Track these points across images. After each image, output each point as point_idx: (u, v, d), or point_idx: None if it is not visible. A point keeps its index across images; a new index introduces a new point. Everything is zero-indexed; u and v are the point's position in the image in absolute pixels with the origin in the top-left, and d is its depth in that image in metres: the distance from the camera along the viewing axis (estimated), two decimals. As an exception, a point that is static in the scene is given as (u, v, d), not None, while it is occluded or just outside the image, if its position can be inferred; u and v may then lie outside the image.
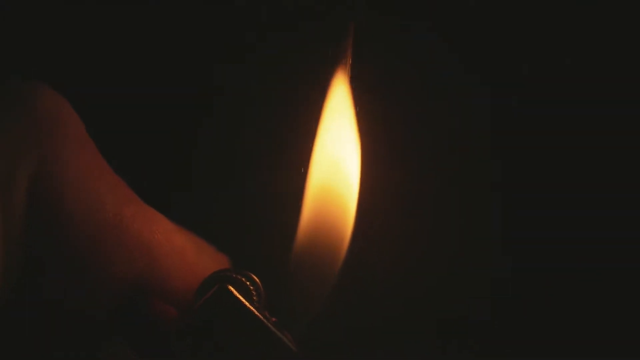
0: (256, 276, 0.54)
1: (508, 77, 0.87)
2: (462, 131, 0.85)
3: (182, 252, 0.55)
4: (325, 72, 0.56)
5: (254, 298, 0.54)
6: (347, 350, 0.79)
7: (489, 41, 0.86)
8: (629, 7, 0.88)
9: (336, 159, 0.55)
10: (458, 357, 0.83)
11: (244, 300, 0.53)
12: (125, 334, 0.53)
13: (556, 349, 0.86)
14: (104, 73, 0.82)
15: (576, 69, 0.88)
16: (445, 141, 0.84)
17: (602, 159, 0.88)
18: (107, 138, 0.55)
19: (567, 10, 0.88)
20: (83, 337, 0.53)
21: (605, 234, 0.88)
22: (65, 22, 0.81)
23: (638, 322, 0.86)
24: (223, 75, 0.84)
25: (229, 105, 0.84)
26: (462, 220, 0.85)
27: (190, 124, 0.83)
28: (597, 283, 0.88)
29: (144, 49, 0.84)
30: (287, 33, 0.83)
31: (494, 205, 0.86)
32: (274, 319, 0.54)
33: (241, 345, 0.53)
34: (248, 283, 0.54)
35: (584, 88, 0.88)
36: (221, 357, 0.53)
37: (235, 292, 0.53)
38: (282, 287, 0.55)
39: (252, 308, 0.53)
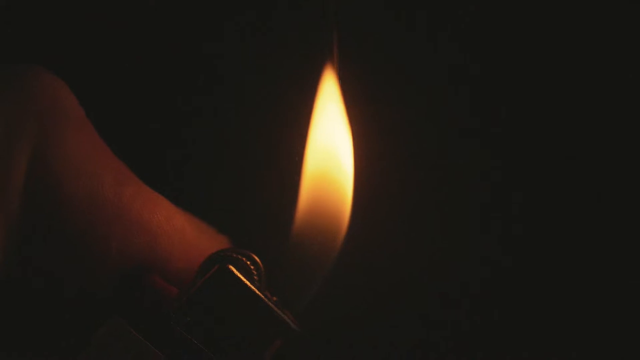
0: (256, 256, 0.54)
1: (507, 68, 0.87)
2: (458, 117, 0.85)
3: (182, 233, 0.55)
4: (317, 60, 0.57)
5: (255, 278, 0.54)
6: (347, 330, 0.79)
7: (484, 31, 0.87)
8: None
9: (330, 145, 0.56)
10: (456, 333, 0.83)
11: (244, 279, 0.53)
12: (125, 313, 0.53)
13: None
14: (103, 58, 0.83)
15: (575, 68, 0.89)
16: (441, 127, 0.85)
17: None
18: (105, 121, 0.55)
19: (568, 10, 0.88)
20: (83, 317, 0.54)
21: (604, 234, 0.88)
22: (64, 8, 0.82)
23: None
24: (220, 61, 0.84)
25: (228, 90, 0.84)
26: (459, 204, 0.85)
27: (188, 107, 0.83)
28: (596, 283, 0.88)
29: (142, 36, 0.84)
30: (282, 21, 0.84)
31: (491, 193, 0.87)
32: (274, 298, 0.54)
33: (242, 324, 0.53)
34: (248, 263, 0.54)
35: (584, 85, 0.88)
36: (222, 336, 0.53)
37: (236, 272, 0.53)
38: (282, 267, 0.55)
39: (253, 287, 0.53)
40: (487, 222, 0.88)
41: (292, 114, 0.58)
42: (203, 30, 0.85)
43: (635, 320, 0.87)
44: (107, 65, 0.83)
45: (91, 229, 0.52)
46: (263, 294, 0.54)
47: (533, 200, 0.89)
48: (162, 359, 0.53)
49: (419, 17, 0.86)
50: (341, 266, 0.55)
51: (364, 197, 0.56)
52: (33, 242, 0.52)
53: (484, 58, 0.88)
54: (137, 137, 0.77)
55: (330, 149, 0.55)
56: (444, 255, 0.84)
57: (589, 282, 0.88)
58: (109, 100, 0.77)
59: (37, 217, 0.52)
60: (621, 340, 0.87)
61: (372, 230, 0.76)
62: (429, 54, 0.85)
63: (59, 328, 0.54)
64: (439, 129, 0.86)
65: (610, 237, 0.89)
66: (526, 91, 0.89)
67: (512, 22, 0.88)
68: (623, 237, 0.89)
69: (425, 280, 0.82)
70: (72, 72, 0.54)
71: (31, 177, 0.51)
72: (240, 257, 0.54)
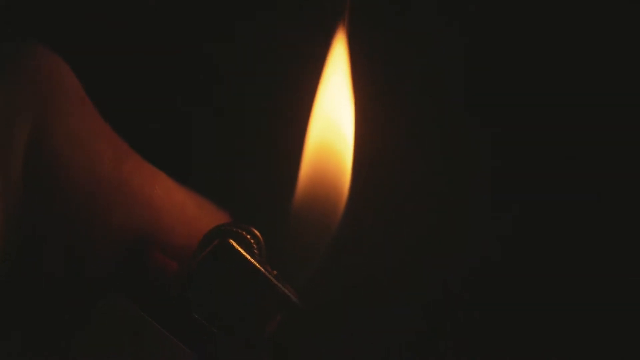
0: (257, 230, 0.54)
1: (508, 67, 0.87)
2: (459, 89, 0.85)
3: (182, 207, 0.55)
4: (325, 30, 0.57)
5: (255, 252, 0.54)
6: (348, 303, 0.78)
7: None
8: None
9: (334, 117, 0.56)
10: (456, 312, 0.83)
11: (245, 253, 0.53)
12: (126, 288, 0.53)
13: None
14: (103, 35, 0.83)
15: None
16: (441, 98, 0.85)
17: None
18: (105, 99, 0.55)
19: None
20: (83, 293, 0.53)
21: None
22: (64, 8, 0.82)
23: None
24: (225, 33, 0.85)
25: (230, 63, 0.84)
26: (460, 174, 0.85)
27: (188, 82, 0.83)
28: (596, 282, 0.88)
29: (142, 10, 0.84)
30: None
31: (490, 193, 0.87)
32: (275, 272, 0.54)
33: (243, 298, 0.53)
34: (249, 237, 0.54)
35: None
36: (223, 311, 0.53)
37: (236, 246, 0.53)
38: (283, 241, 0.55)
39: (253, 261, 0.53)
40: (487, 222, 0.88)
41: (297, 86, 0.58)
42: (203, 29, 0.85)
43: (635, 320, 0.87)
44: (106, 65, 0.83)
45: (91, 204, 0.52)
46: (263, 268, 0.54)
47: (533, 199, 0.89)
48: (164, 335, 0.53)
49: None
50: (342, 240, 0.55)
51: (365, 170, 0.56)
52: (34, 216, 0.52)
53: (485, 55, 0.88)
54: (135, 114, 0.77)
55: (333, 120, 0.56)
56: (444, 230, 0.84)
57: (589, 281, 0.88)
58: (108, 78, 0.77)
59: (36, 193, 0.52)
60: (621, 340, 0.87)
61: (372, 204, 0.77)
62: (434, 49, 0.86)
63: (59, 328, 0.54)
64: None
65: (610, 237, 0.89)
66: (526, 90, 0.90)
67: (514, 19, 0.89)
68: (623, 237, 0.89)
69: (425, 254, 0.82)
70: (72, 49, 0.54)
71: (30, 154, 0.51)
72: (240, 231, 0.54)
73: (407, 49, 0.84)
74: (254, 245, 0.54)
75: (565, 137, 0.90)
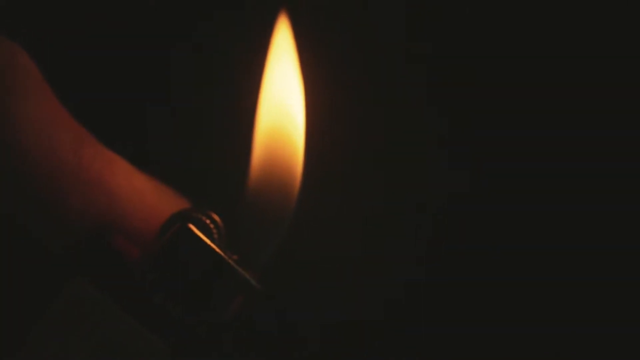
0: (216, 215, 0.55)
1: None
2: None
3: (142, 193, 0.55)
4: (269, 14, 0.57)
5: (215, 236, 0.54)
6: (307, 287, 0.79)
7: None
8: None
9: (283, 99, 0.56)
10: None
11: (205, 238, 0.54)
12: (88, 273, 0.54)
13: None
14: (63, 20, 0.83)
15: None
16: (391, 78, 0.85)
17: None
18: (64, 87, 0.56)
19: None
20: (44, 279, 0.54)
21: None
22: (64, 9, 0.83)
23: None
24: (175, 21, 0.85)
25: (182, 50, 0.85)
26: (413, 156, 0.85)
27: (145, 68, 0.84)
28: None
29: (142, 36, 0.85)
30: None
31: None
32: (234, 257, 0.54)
33: (204, 282, 0.54)
34: (208, 222, 0.54)
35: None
36: (185, 296, 0.54)
37: (196, 231, 0.54)
38: (240, 225, 0.55)
39: (213, 246, 0.54)
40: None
41: (245, 69, 0.58)
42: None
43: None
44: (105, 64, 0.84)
45: (50, 189, 0.53)
46: (223, 252, 0.54)
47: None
48: (128, 320, 0.53)
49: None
50: (298, 222, 0.55)
51: (317, 151, 0.56)
52: None
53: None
54: (95, 102, 0.78)
55: (282, 102, 0.56)
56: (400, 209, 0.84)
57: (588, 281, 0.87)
58: (68, 67, 0.77)
59: None
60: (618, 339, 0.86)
61: (326, 185, 0.77)
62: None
63: (18, 290, 0.54)
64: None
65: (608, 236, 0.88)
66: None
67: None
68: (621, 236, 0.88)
69: (382, 234, 0.82)
70: (72, 74, 0.55)
71: None
72: (200, 216, 0.54)
73: (351, 28, 0.84)
74: (214, 230, 0.54)
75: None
